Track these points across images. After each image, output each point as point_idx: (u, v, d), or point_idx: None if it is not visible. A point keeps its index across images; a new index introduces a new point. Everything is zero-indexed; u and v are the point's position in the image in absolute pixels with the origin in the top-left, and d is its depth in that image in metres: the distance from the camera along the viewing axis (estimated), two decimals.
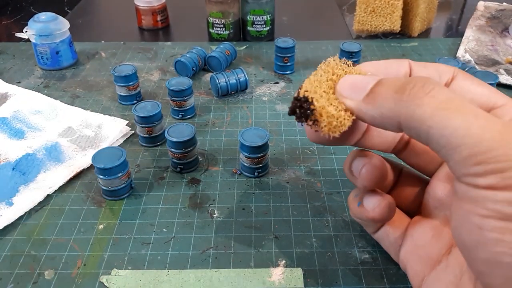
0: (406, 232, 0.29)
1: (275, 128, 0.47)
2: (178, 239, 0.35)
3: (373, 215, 0.28)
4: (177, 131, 0.40)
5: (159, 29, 0.71)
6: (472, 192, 0.19)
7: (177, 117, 0.48)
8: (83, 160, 0.42)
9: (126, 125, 0.47)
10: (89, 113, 0.49)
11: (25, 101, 0.50)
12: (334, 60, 0.26)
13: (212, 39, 0.66)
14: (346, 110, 0.24)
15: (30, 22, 0.56)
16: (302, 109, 0.24)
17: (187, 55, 0.55)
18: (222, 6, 0.62)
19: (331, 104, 0.24)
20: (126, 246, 0.34)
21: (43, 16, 0.56)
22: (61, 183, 0.39)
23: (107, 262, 0.33)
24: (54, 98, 0.51)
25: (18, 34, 0.67)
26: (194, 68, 0.55)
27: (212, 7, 0.63)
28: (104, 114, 0.49)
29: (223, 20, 0.63)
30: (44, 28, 0.56)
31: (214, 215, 0.37)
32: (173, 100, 0.47)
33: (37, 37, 0.56)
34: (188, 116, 0.48)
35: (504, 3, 0.74)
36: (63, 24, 0.57)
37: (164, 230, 0.35)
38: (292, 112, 0.25)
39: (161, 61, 0.60)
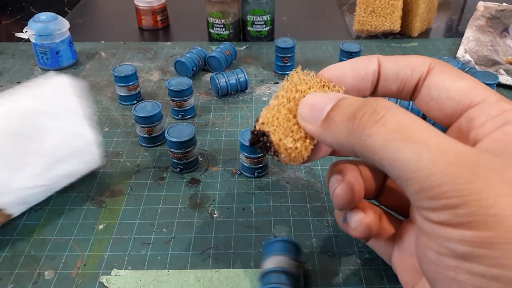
0: (394, 241, 0.28)
1: None
2: (178, 239, 0.35)
3: (355, 234, 0.27)
4: (177, 131, 0.40)
5: (159, 29, 0.71)
6: (427, 226, 0.19)
7: (177, 117, 0.48)
8: None
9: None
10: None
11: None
12: (297, 73, 0.25)
13: (212, 39, 0.66)
14: (306, 136, 0.24)
15: (30, 22, 0.56)
16: (260, 142, 0.24)
17: (187, 55, 0.55)
18: (222, 6, 0.62)
19: (289, 134, 0.24)
20: (126, 246, 0.34)
21: (43, 16, 0.56)
22: None
23: (107, 262, 0.33)
24: None
25: (18, 34, 0.67)
26: (194, 68, 0.55)
27: (212, 7, 0.63)
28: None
29: (223, 20, 0.63)
30: (44, 28, 0.56)
31: (214, 215, 0.37)
32: (173, 100, 0.47)
33: (37, 37, 0.56)
34: (188, 116, 0.48)
35: (504, 3, 0.74)
36: (63, 24, 0.57)
37: (164, 230, 0.35)
38: (252, 145, 0.25)
39: (161, 61, 0.60)
